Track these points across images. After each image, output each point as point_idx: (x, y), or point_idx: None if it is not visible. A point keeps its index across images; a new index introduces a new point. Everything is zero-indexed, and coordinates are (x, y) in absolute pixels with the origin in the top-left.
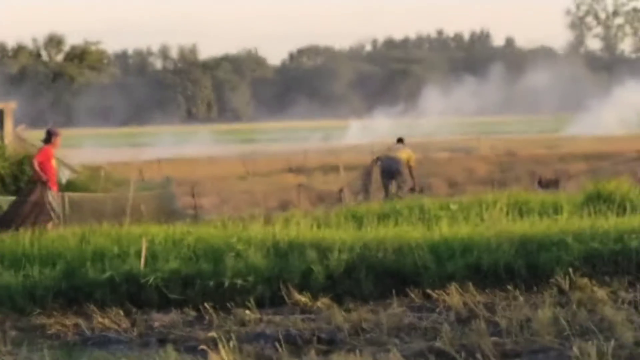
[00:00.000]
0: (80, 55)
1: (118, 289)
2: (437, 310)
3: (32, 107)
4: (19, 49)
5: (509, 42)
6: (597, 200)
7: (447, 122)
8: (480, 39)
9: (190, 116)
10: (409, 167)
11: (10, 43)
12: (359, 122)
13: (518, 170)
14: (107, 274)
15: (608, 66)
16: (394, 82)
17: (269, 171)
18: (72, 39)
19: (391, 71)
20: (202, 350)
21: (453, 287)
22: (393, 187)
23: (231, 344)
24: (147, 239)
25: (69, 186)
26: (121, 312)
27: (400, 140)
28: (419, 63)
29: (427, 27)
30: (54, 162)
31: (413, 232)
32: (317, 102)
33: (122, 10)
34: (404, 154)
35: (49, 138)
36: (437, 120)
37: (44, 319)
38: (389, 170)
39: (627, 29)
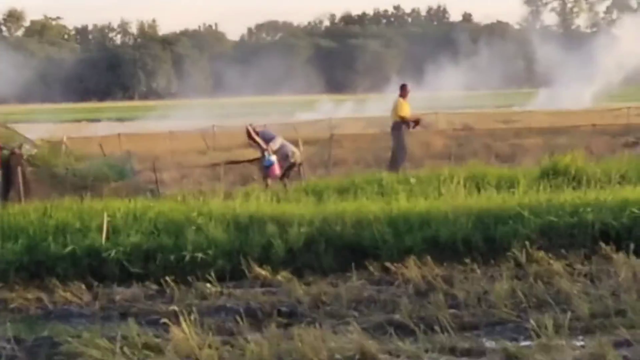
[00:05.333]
0: (40, 31)
1: (80, 263)
2: (396, 283)
3: None
4: None
5: (466, 17)
6: (553, 174)
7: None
8: (437, 15)
9: (150, 91)
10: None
11: None
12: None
13: (475, 144)
14: (69, 248)
15: (564, 41)
16: (353, 58)
17: (229, 146)
18: (32, 15)
19: (349, 47)
20: (164, 323)
21: (411, 261)
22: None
23: (192, 317)
24: (108, 213)
25: (30, 160)
26: (83, 286)
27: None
28: (376, 38)
29: (384, 3)
30: None
31: (372, 206)
32: (276, 77)
33: None
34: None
35: None
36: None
37: (6, 293)
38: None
39: (583, 4)
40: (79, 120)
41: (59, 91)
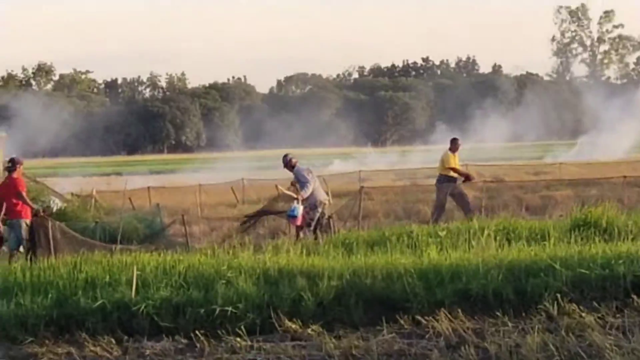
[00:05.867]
0: (69, 85)
1: (109, 317)
2: (427, 336)
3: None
4: (9, 78)
5: (496, 69)
6: (584, 226)
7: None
8: (467, 66)
9: (179, 144)
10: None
11: (0, 72)
12: (349, 150)
13: (505, 196)
14: (99, 302)
15: (594, 92)
16: (382, 110)
17: (259, 198)
18: (61, 69)
19: (379, 98)
20: None
21: (442, 313)
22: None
23: None
24: (138, 267)
25: (60, 215)
26: (113, 341)
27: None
28: (405, 90)
29: (413, 54)
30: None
31: (402, 259)
32: (306, 129)
33: (112, 40)
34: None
35: (13, 167)
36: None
37: (36, 348)
38: None
39: (613, 56)
40: (108, 174)
41: (88, 145)
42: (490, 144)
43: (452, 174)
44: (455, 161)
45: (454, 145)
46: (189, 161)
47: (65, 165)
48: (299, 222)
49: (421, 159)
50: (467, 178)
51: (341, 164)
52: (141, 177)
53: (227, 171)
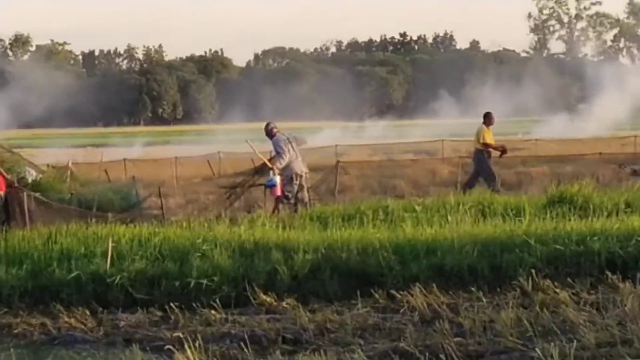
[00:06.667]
0: (46, 56)
1: (84, 289)
2: (401, 311)
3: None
4: None
5: (473, 45)
6: (560, 202)
7: (410, 124)
8: (444, 42)
9: (156, 117)
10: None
11: None
12: (326, 124)
13: None
14: (74, 273)
15: (572, 70)
16: (359, 84)
17: (235, 172)
18: (39, 40)
19: (356, 73)
20: (168, 350)
21: (417, 288)
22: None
23: (197, 344)
24: (113, 239)
25: (35, 186)
26: (87, 312)
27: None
28: (382, 65)
29: (391, 30)
30: None
31: (377, 233)
32: (283, 103)
33: (89, 13)
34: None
35: None
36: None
37: (10, 318)
38: None
39: (590, 33)
40: (84, 146)
41: (64, 116)
42: (468, 120)
43: (487, 148)
44: (490, 136)
45: (487, 119)
46: (165, 134)
47: (41, 137)
48: (278, 192)
49: (398, 133)
50: (504, 152)
51: (321, 136)
52: (117, 150)
53: (203, 144)
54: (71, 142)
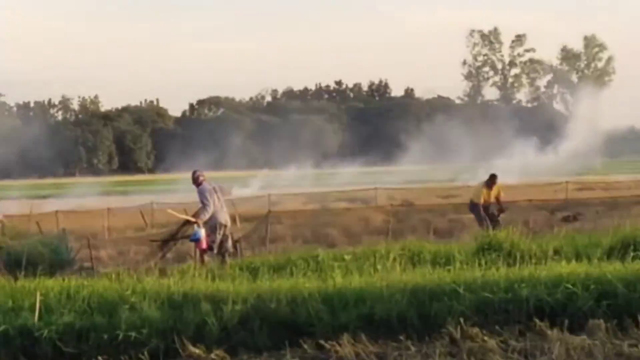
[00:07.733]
0: None
1: (12, 343)
2: None
3: None
4: None
5: (408, 92)
6: (489, 249)
7: (345, 173)
8: (379, 89)
9: (92, 168)
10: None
11: None
12: (261, 173)
13: (414, 220)
14: (1, 327)
15: (505, 116)
16: (295, 133)
17: (168, 222)
18: None
19: (292, 121)
20: None
21: (345, 338)
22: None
23: None
24: (41, 292)
25: None
26: None
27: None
28: (318, 113)
29: (326, 78)
30: None
31: (307, 283)
32: (218, 152)
33: (23, 62)
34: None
35: None
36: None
37: None
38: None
39: (524, 79)
40: (17, 198)
41: None
42: (404, 167)
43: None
44: (489, 195)
45: (491, 181)
46: (99, 185)
47: None
48: (204, 246)
49: (333, 181)
50: (501, 211)
51: (252, 187)
52: (51, 201)
53: (137, 194)
54: (5, 195)
